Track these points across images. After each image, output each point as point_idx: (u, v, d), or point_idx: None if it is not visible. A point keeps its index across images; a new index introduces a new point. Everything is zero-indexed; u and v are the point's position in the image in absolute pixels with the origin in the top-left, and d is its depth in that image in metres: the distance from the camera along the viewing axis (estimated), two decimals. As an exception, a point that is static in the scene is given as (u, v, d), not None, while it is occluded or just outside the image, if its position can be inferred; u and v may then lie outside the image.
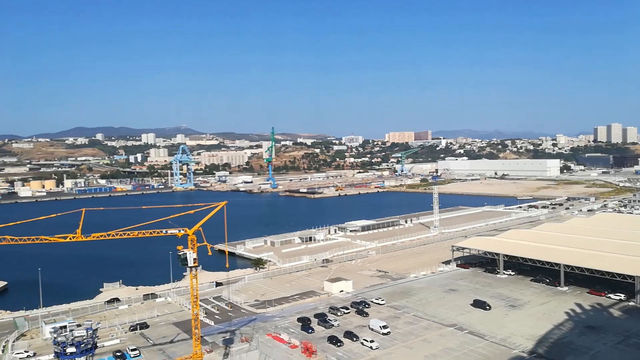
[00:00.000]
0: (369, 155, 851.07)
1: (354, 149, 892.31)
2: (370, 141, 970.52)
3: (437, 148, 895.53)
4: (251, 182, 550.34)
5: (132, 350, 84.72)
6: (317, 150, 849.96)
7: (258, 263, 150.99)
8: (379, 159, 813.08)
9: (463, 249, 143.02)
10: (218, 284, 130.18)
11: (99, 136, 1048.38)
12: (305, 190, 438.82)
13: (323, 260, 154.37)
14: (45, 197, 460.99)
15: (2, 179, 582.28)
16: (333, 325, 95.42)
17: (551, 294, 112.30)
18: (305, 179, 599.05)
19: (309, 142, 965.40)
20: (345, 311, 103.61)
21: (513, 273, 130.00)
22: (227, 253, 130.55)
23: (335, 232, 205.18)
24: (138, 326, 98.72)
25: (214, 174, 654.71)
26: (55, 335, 58.88)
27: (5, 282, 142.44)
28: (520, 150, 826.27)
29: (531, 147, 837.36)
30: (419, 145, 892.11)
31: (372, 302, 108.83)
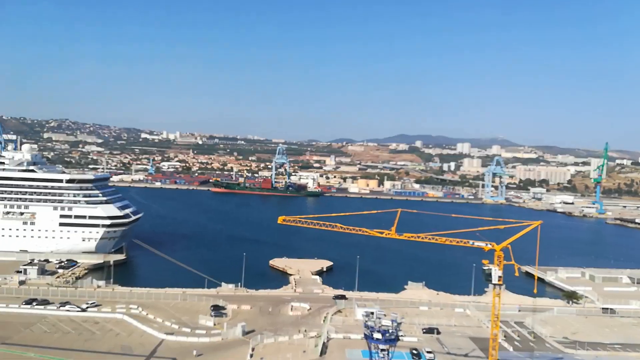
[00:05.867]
0: None
1: None
2: None
3: None
4: (572, 203, 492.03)
5: (428, 352, 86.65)
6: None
7: (571, 296, 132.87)
8: None
9: None
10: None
11: (418, 143, 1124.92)
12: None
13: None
14: (368, 194, 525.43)
15: (338, 176, 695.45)
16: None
17: None
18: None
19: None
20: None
21: None
22: (536, 277, 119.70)
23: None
24: (435, 330, 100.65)
25: (529, 189, 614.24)
26: (366, 319, 64.81)
27: (332, 263, 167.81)
28: None
29: None
30: None
31: None
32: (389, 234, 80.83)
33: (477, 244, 76.00)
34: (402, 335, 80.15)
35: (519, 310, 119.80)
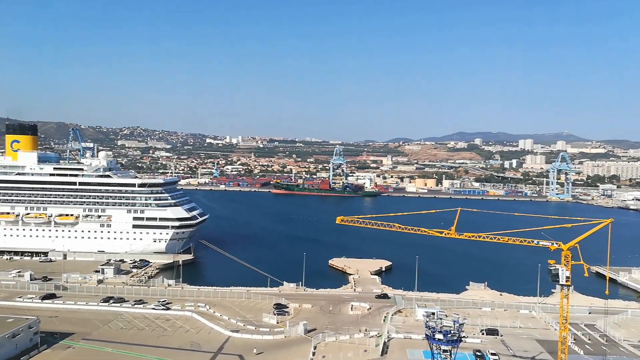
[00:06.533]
0: None
1: None
2: None
3: None
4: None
5: (492, 354, 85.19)
6: None
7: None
8: None
9: None
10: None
11: (477, 141, 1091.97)
12: None
13: None
14: (426, 193, 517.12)
15: (395, 175, 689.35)
16: None
17: None
18: None
19: None
20: None
21: None
22: (607, 278, 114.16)
23: None
24: (497, 332, 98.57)
25: (597, 186, 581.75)
26: (427, 319, 65.01)
27: (391, 263, 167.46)
28: None
29: None
30: None
31: None
32: (448, 233, 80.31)
33: (543, 243, 74.07)
34: (464, 337, 79.66)
35: (590, 313, 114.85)
